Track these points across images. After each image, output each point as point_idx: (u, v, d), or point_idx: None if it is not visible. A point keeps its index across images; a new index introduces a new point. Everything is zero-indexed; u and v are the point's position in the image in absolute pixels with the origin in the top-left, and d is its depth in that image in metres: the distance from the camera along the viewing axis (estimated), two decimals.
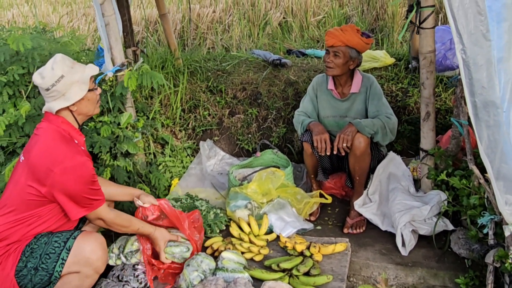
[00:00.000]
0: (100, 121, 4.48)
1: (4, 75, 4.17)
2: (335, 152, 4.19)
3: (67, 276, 3.17)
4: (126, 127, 4.63)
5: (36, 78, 3.21)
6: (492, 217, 3.24)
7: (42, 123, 3.32)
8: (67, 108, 3.28)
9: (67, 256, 3.14)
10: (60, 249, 3.14)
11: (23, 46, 4.05)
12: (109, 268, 3.83)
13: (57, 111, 3.25)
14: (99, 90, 3.48)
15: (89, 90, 3.33)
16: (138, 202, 3.88)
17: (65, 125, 3.29)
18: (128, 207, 4.43)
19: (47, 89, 3.19)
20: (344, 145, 4.12)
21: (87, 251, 3.17)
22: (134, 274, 3.71)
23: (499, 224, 3.20)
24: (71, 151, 3.17)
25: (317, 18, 9.82)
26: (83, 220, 3.58)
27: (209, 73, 6.47)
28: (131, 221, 3.60)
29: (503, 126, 2.83)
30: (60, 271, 3.13)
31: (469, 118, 3.06)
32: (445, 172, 3.78)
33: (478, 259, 3.51)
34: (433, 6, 3.78)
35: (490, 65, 2.80)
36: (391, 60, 6.34)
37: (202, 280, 3.57)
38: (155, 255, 3.84)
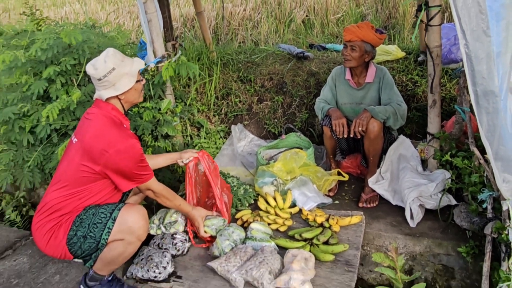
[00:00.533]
0: (143, 107, 4.53)
1: (58, 65, 4.21)
2: (351, 135, 4.19)
3: (112, 243, 3.21)
4: (166, 112, 4.67)
5: (90, 68, 3.23)
6: (491, 193, 3.26)
7: (92, 108, 3.35)
8: (116, 96, 3.32)
9: (112, 225, 3.16)
10: (106, 219, 3.18)
11: (75, 40, 4.11)
12: (150, 237, 3.92)
13: (107, 99, 3.31)
14: (144, 81, 3.51)
15: (136, 81, 3.39)
16: (181, 162, 3.96)
17: (115, 111, 3.33)
18: (168, 183, 4.50)
19: (99, 79, 3.22)
20: (360, 129, 4.13)
21: (130, 221, 3.19)
22: (172, 242, 3.78)
23: (497, 200, 3.22)
24: (121, 134, 3.21)
25: (336, 16, 9.77)
26: (127, 194, 3.63)
27: (240, 65, 6.50)
28: (175, 196, 3.65)
29: (501, 112, 2.84)
30: (107, 238, 3.17)
31: (471, 105, 3.07)
32: (449, 153, 3.79)
33: (478, 231, 3.52)
34: (440, 5, 3.77)
35: (490, 59, 2.79)
36: (402, 54, 6.31)
37: (233, 248, 3.63)
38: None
